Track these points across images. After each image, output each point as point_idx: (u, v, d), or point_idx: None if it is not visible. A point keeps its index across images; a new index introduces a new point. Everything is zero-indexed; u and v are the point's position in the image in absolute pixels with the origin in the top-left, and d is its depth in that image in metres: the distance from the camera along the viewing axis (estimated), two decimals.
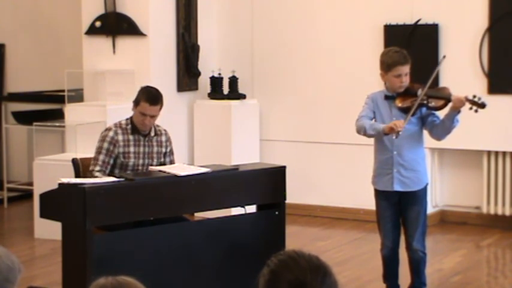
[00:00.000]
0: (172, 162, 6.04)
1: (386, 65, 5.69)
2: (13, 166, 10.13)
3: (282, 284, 2.15)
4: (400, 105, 5.66)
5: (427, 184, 5.79)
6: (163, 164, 5.98)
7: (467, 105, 5.63)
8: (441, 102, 5.65)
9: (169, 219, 5.58)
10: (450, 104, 5.62)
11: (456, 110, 5.57)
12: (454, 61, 8.20)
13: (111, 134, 5.81)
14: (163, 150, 5.99)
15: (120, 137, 5.81)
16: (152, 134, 5.92)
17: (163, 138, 6.00)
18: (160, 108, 5.87)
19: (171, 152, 6.06)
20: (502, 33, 8.03)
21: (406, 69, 5.68)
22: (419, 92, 5.62)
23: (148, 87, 6.02)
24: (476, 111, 5.69)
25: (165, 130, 6.07)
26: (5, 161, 9.94)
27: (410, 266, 5.80)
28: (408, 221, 5.73)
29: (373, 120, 5.76)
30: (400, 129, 5.52)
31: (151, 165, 5.88)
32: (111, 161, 5.79)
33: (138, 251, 5.32)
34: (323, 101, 8.81)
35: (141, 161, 5.86)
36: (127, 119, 5.89)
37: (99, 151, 5.80)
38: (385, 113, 5.72)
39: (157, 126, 5.99)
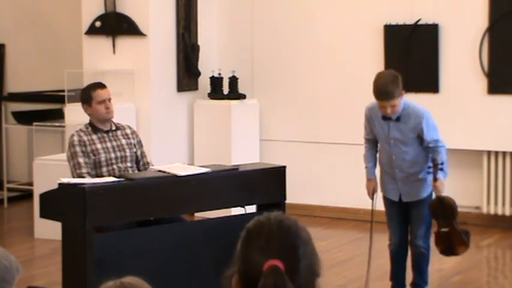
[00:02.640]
0: (142, 153, 6.12)
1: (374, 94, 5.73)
2: (13, 166, 10.13)
3: (253, 248, 2.14)
4: None
5: (431, 191, 5.78)
6: (136, 155, 6.05)
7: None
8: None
9: (166, 219, 5.59)
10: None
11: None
12: (454, 61, 8.21)
13: (75, 138, 5.89)
14: (132, 141, 6.06)
15: (85, 138, 5.90)
16: (114, 128, 6.02)
17: (128, 131, 6.11)
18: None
19: (140, 144, 6.14)
20: (502, 33, 8.03)
21: (389, 103, 5.64)
22: None
23: (86, 86, 6.25)
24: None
25: (127, 125, 6.19)
26: (5, 161, 9.94)
27: (413, 262, 5.83)
28: (412, 219, 5.80)
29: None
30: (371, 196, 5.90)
31: (126, 156, 5.96)
32: (89, 160, 5.84)
33: (138, 251, 5.31)
34: (323, 101, 8.81)
35: (113, 155, 5.92)
36: (85, 124, 6.00)
37: (75, 155, 5.84)
38: (381, 128, 5.82)
39: (118, 123, 6.08)
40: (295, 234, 2.11)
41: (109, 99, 5.94)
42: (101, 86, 6.03)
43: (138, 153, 6.08)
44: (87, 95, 5.96)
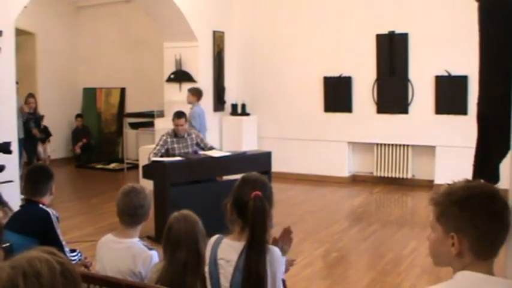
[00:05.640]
0: (206, 145, 5.88)
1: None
2: (129, 151, 10.17)
3: (246, 185, 2.27)
4: None
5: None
6: (203, 148, 5.91)
7: None
8: None
9: (207, 180, 5.56)
10: None
11: None
12: (360, 96, 8.19)
13: (164, 137, 5.77)
14: (195, 142, 5.86)
15: (169, 139, 5.76)
16: (185, 135, 5.85)
17: (193, 136, 5.89)
18: (186, 120, 5.79)
19: (202, 141, 5.95)
20: (383, 82, 8.00)
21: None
22: None
23: (177, 111, 5.87)
24: None
25: (193, 131, 5.97)
26: (125, 148, 9.98)
27: None
28: None
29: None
30: None
31: (188, 152, 5.75)
32: (163, 150, 5.72)
33: (192, 197, 5.26)
34: (293, 116, 8.77)
35: (182, 151, 5.77)
36: (172, 129, 5.82)
37: (158, 144, 5.75)
38: None
39: (189, 131, 5.90)
40: (266, 182, 2.28)
41: (181, 125, 5.68)
42: (178, 116, 5.71)
43: (202, 145, 5.90)
44: (173, 118, 5.78)
